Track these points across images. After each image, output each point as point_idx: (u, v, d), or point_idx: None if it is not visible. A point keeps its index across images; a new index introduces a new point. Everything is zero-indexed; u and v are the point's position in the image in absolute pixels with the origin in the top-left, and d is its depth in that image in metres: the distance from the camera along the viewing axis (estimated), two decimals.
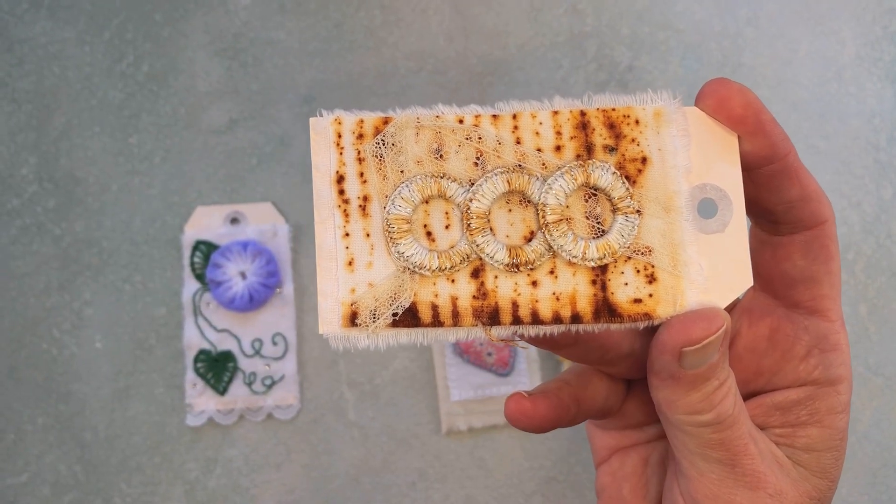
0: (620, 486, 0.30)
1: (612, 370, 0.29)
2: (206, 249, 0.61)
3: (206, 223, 0.62)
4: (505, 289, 0.24)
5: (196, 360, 0.61)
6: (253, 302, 0.60)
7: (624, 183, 0.24)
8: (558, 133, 0.24)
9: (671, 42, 0.64)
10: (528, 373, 0.60)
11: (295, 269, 0.62)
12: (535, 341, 0.25)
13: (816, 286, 0.26)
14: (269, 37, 0.64)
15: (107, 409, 0.60)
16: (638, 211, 0.24)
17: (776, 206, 0.25)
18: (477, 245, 0.24)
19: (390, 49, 0.63)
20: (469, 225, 0.24)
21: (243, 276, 0.60)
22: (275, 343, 0.61)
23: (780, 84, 0.63)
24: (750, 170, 0.24)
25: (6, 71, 0.63)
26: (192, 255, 0.61)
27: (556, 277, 0.24)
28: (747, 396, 0.28)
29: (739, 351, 0.28)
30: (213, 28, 0.64)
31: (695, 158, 0.24)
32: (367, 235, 0.24)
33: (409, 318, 0.24)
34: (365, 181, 0.24)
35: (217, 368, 0.60)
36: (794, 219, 0.26)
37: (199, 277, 0.61)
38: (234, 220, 0.62)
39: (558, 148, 0.24)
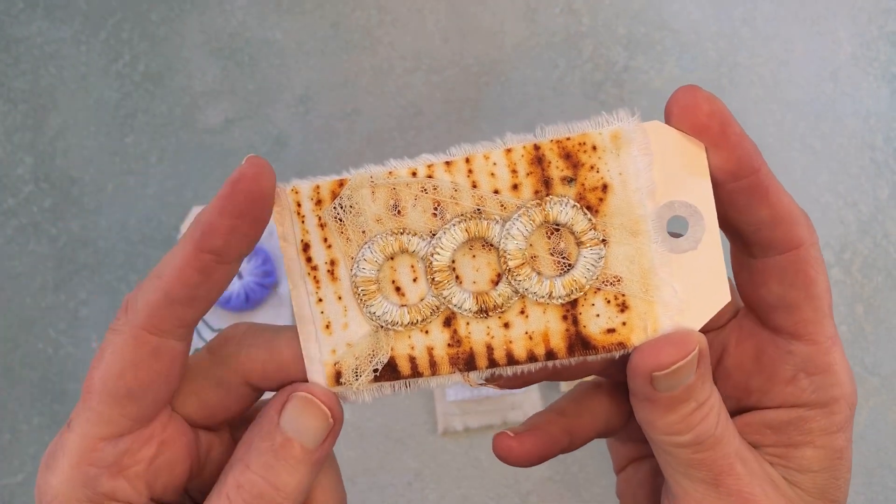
0: (636, 493, 0.30)
1: (606, 374, 0.29)
2: None
3: None
4: (478, 334, 0.24)
5: None
6: (249, 301, 0.60)
7: (585, 215, 0.23)
8: (514, 171, 0.23)
9: (667, 42, 0.64)
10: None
11: None
12: (513, 380, 0.25)
13: (797, 312, 0.25)
14: (265, 36, 0.64)
15: None
16: (603, 241, 0.23)
17: (745, 226, 0.24)
18: (444, 297, 0.24)
19: (386, 49, 0.63)
20: (434, 279, 0.24)
21: (239, 275, 0.60)
22: None
23: (776, 84, 0.63)
24: (716, 186, 0.23)
25: (2, 71, 0.63)
26: None
27: (526, 317, 0.24)
28: (740, 411, 0.27)
29: (728, 367, 0.27)
30: (209, 28, 0.64)
31: (660, 176, 0.23)
32: (339, 298, 0.24)
33: (389, 372, 0.24)
34: (329, 246, 0.24)
35: None
36: (765, 241, 0.24)
37: None
38: None
39: (515, 186, 0.23)
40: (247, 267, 0.60)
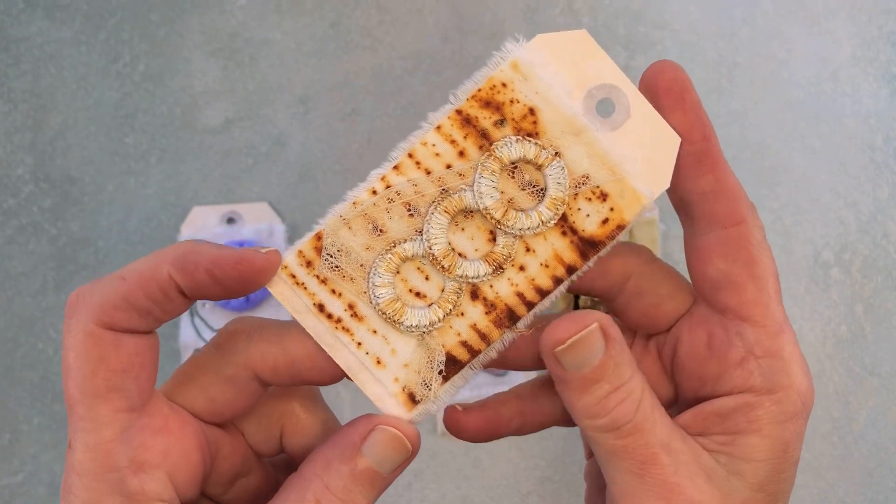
0: (597, 477, 0.31)
1: None
2: None
3: (202, 223, 0.62)
4: (505, 290, 0.25)
5: None
6: (249, 301, 0.60)
7: (529, 141, 0.25)
8: (452, 142, 0.25)
9: (667, 42, 0.64)
10: (525, 373, 0.60)
11: None
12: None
13: (741, 291, 0.25)
14: (265, 36, 0.64)
15: None
16: (556, 154, 0.25)
17: (689, 194, 0.25)
18: (460, 277, 0.25)
19: (386, 49, 0.64)
20: (443, 267, 0.25)
21: None
22: None
23: (776, 84, 0.63)
24: None
25: (2, 71, 0.63)
26: None
27: (534, 252, 0.25)
28: (697, 401, 0.27)
29: (682, 358, 0.27)
30: (209, 28, 0.64)
31: (567, 76, 0.25)
32: (374, 332, 0.26)
33: (451, 366, 0.26)
34: (339, 294, 0.25)
35: None
36: (708, 213, 0.25)
37: None
38: (231, 220, 0.62)
39: (462, 153, 0.25)
40: None
